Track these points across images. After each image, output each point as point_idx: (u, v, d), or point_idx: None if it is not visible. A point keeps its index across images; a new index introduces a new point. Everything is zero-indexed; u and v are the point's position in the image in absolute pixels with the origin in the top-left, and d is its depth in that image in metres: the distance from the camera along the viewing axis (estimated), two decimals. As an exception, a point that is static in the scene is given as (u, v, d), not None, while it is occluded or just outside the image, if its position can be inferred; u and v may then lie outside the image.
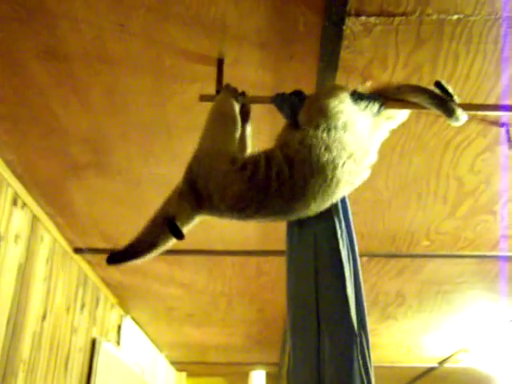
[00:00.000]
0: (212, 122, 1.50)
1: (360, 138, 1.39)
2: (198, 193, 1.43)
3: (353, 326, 1.40)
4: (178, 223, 1.43)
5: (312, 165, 1.34)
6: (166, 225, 1.44)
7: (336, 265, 1.45)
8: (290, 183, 1.34)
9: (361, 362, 1.39)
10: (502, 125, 1.89)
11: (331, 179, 1.35)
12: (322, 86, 1.61)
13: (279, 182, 1.34)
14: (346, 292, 1.43)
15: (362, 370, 1.38)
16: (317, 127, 1.37)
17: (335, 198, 1.41)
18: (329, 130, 1.37)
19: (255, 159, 1.39)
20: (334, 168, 1.34)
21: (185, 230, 1.45)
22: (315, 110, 1.42)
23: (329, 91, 1.46)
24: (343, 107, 1.39)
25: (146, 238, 1.48)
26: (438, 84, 1.47)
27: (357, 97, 1.44)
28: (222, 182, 1.39)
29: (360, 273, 1.49)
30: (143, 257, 1.46)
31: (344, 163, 1.35)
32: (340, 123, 1.37)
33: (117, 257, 1.47)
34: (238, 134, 1.49)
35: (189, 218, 1.47)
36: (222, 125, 1.50)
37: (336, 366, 1.39)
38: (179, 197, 1.49)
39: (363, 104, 1.43)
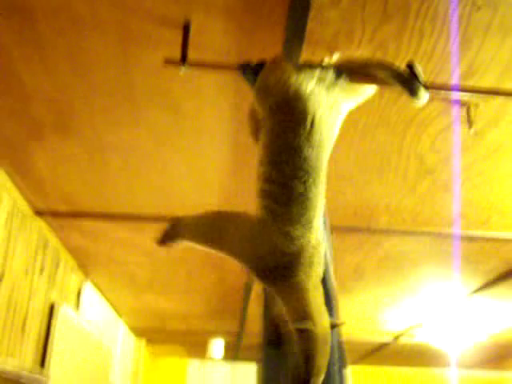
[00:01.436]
0: None
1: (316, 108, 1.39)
2: None
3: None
4: None
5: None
6: None
7: None
8: None
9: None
10: (463, 105, 1.92)
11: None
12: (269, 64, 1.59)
13: None
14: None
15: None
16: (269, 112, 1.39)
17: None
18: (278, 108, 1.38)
19: None
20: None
21: None
22: (262, 90, 1.44)
23: (271, 67, 1.46)
24: (290, 80, 1.40)
25: None
26: (410, 65, 1.48)
27: (314, 69, 1.44)
28: None
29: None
30: None
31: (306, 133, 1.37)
32: (291, 94, 1.38)
33: None
34: None
35: None
36: None
37: None
38: None
39: (319, 75, 1.43)
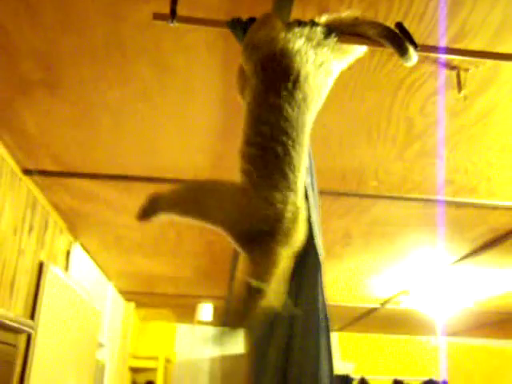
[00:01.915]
0: None
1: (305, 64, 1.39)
2: None
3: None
4: None
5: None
6: None
7: None
8: None
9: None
10: (453, 68, 1.92)
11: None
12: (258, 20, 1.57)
13: None
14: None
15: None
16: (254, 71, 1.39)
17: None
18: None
19: None
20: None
21: None
22: (249, 46, 1.43)
23: (260, 24, 1.45)
24: (277, 36, 1.39)
25: None
26: (399, 25, 1.47)
27: (303, 27, 1.43)
28: None
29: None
30: None
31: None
32: (277, 50, 1.37)
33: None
34: None
35: None
36: None
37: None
38: None
39: (308, 34, 1.42)
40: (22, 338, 2.88)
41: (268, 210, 1.34)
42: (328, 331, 1.50)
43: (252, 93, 1.41)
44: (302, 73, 1.36)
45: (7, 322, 2.39)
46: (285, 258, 1.35)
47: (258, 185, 1.35)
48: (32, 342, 2.96)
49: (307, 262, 1.54)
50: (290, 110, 1.35)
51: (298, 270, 1.49)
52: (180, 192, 1.51)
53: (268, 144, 1.35)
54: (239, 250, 1.42)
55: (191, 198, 1.47)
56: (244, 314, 1.35)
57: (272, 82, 1.36)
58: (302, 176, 1.41)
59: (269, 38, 1.38)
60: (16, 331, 2.43)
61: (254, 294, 1.31)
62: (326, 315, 1.50)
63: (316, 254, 1.55)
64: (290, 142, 1.34)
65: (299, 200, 1.39)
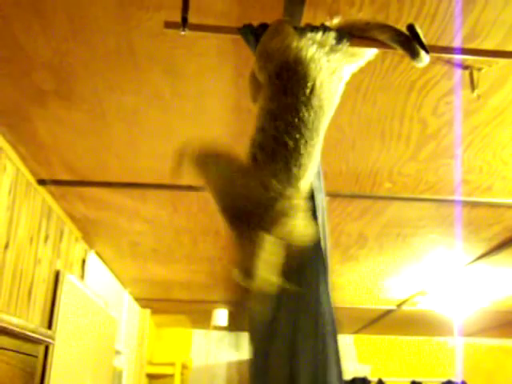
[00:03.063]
0: None
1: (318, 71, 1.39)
2: None
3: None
4: None
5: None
6: None
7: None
8: None
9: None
10: (466, 68, 1.91)
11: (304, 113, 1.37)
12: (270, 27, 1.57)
13: None
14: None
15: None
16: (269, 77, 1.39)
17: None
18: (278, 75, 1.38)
19: None
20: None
21: None
22: (263, 54, 1.43)
23: (273, 31, 1.45)
24: (291, 45, 1.39)
25: None
26: (410, 27, 1.47)
27: (315, 32, 1.43)
28: None
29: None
30: None
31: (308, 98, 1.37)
32: (292, 60, 1.38)
33: None
34: None
35: None
36: None
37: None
38: None
39: (320, 40, 1.43)
40: (41, 348, 2.90)
41: (261, 195, 1.36)
42: (335, 335, 1.48)
43: (268, 96, 1.42)
44: (318, 81, 1.37)
45: (27, 332, 2.40)
46: (270, 245, 1.35)
47: (259, 168, 1.38)
48: (50, 351, 2.98)
49: (311, 264, 1.54)
50: (306, 113, 1.36)
51: (301, 271, 1.49)
52: (203, 151, 1.54)
53: (280, 136, 1.36)
54: (228, 226, 1.44)
55: (207, 160, 1.51)
56: (240, 306, 1.37)
57: (289, 89, 1.37)
58: (308, 176, 1.42)
59: (283, 47, 1.39)
60: (35, 342, 2.44)
61: (241, 280, 1.33)
62: (332, 319, 1.49)
63: (321, 257, 1.54)
64: (302, 141, 1.36)
65: (299, 198, 1.40)
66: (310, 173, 1.42)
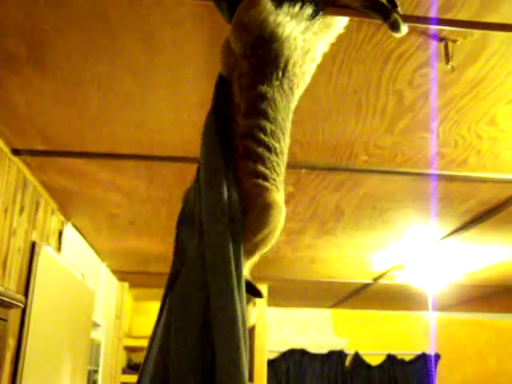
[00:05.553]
0: None
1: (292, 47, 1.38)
2: None
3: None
4: None
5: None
6: None
7: None
8: None
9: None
10: (442, 39, 1.92)
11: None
12: None
13: None
14: None
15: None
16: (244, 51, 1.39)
17: None
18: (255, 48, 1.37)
19: None
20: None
21: None
22: (238, 27, 1.42)
23: (249, 3, 1.42)
24: (267, 18, 1.37)
25: None
26: None
27: (292, 4, 1.42)
28: None
29: None
30: None
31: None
32: (267, 35, 1.36)
33: None
34: None
35: None
36: None
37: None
38: None
39: (297, 13, 1.41)
40: (16, 313, 2.89)
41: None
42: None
43: (243, 79, 1.40)
44: (291, 61, 1.37)
45: (3, 293, 2.38)
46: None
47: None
48: (26, 317, 2.98)
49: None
50: (279, 99, 1.36)
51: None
52: None
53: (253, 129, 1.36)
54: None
55: None
56: None
57: (262, 69, 1.36)
58: (282, 161, 1.40)
59: (258, 20, 1.37)
60: (7, 306, 2.43)
61: None
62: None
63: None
64: (276, 130, 1.35)
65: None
66: (284, 158, 1.41)
